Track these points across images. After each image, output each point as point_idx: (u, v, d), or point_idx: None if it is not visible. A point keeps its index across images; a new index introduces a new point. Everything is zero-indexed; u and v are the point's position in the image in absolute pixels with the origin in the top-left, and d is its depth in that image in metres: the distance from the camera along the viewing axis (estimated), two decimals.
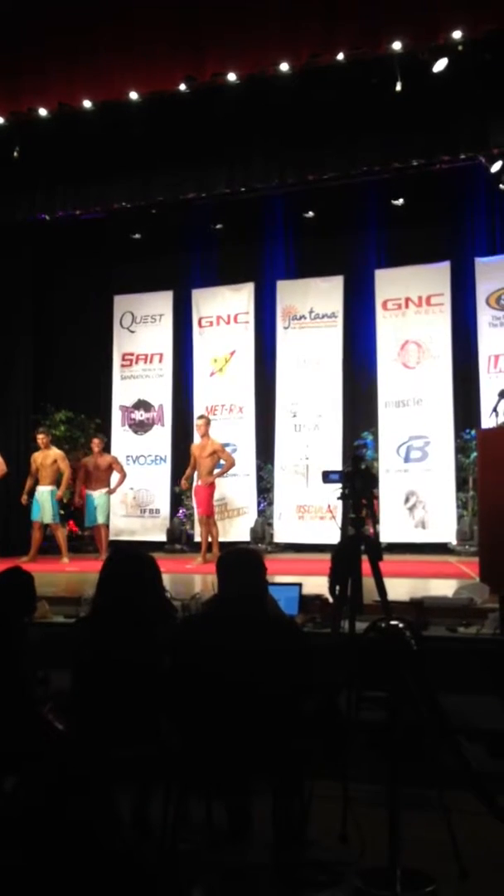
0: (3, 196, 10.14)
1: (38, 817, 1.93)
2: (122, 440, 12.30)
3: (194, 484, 10.72)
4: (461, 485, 10.73)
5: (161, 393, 12.27)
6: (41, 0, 8.54)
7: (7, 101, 8.94)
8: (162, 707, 3.52)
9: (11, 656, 3.77)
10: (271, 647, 3.38)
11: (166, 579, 4.41)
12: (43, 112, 8.97)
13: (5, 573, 4.15)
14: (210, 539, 10.41)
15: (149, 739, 3.47)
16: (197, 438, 10.76)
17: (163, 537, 11.64)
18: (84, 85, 8.64)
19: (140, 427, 12.24)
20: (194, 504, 11.02)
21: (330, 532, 9.88)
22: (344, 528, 4.16)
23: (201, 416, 10.86)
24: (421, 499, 10.74)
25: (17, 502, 10.91)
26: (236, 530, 11.35)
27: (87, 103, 8.81)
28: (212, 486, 10.55)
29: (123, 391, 12.47)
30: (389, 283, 11.19)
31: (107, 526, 11.23)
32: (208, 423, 10.70)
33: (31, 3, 8.54)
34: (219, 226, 11.48)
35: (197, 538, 11.35)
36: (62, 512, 11.15)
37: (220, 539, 10.59)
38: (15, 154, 9.43)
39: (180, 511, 12.01)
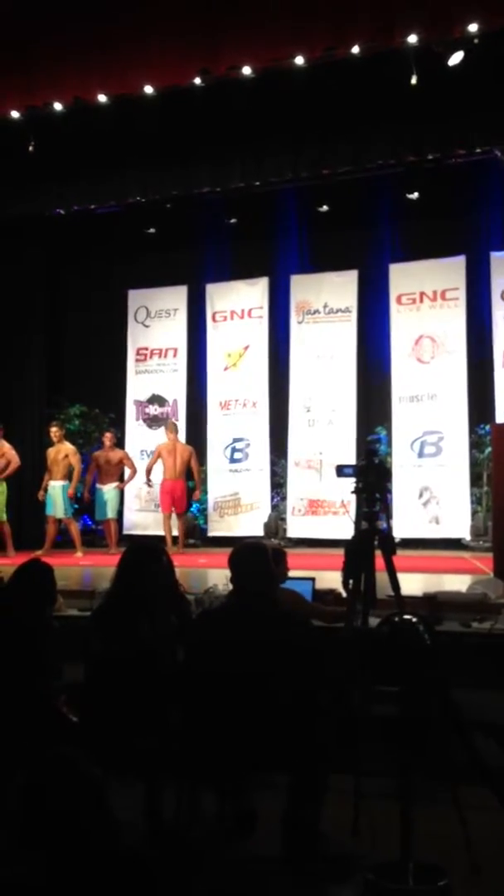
0: (19, 190, 10.17)
1: (41, 813, 1.94)
2: (136, 435, 12.31)
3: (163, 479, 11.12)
4: (475, 480, 10.70)
5: (175, 388, 12.27)
6: None
7: (23, 96, 8.96)
8: (174, 698, 3.54)
9: (32, 648, 3.78)
10: (278, 640, 3.39)
11: (179, 574, 4.43)
12: (58, 106, 8.98)
13: (25, 565, 4.17)
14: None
15: (159, 731, 3.49)
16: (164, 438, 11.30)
17: (175, 531, 11.64)
18: (99, 79, 8.65)
19: (154, 422, 12.25)
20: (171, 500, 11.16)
21: (343, 527, 9.85)
22: (357, 523, 4.15)
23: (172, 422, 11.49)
24: (435, 494, 10.70)
25: (31, 496, 10.97)
26: (249, 525, 11.36)
27: (101, 97, 8.81)
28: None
29: (138, 386, 12.48)
30: (404, 277, 11.15)
31: (117, 520, 11.27)
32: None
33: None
34: (233, 220, 11.47)
35: (211, 533, 11.44)
36: (76, 506, 11.19)
37: (233, 533, 10.68)
38: (30, 148, 9.44)
39: (194, 506, 12.03)
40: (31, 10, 8.60)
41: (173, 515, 11.05)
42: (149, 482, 11.23)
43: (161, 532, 11.13)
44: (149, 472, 11.15)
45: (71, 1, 8.50)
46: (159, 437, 11.77)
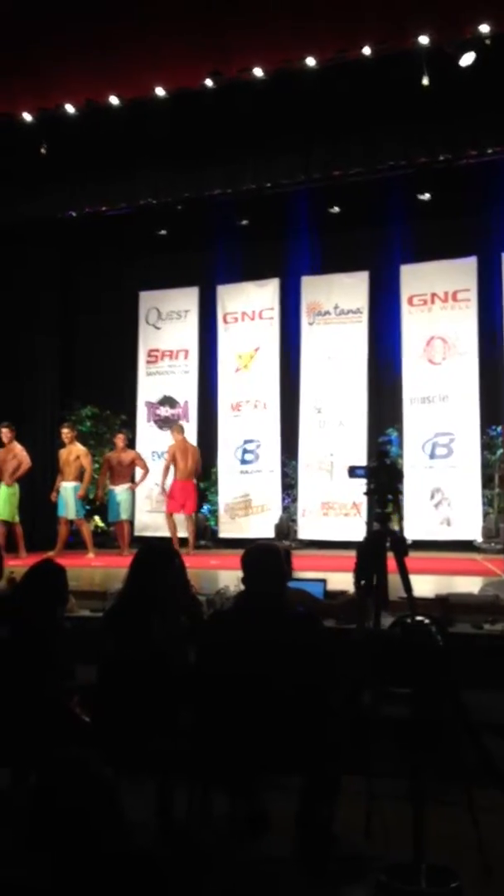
0: (31, 193, 10.20)
1: (52, 813, 1.94)
2: (148, 436, 12.34)
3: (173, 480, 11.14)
4: (487, 482, 10.67)
5: (186, 389, 12.29)
6: None
7: (35, 98, 9.00)
8: (185, 699, 3.55)
9: (43, 649, 3.80)
10: (289, 641, 3.39)
11: (191, 574, 4.43)
12: (70, 109, 9.02)
13: (37, 566, 4.18)
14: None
15: (171, 732, 3.49)
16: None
17: (184, 533, 11.64)
18: (111, 81, 8.69)
19: (165, 423, 12.26)
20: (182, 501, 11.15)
21: (354, 528, 9.87)
22: (369, 524, 4.14)
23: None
24: (446, 496, 10.68)
25: (43, 498, 11.01)
26: (260, 526, 11.35)
27: (113, 100, 8.85)
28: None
29: (149, 387, 12.51)
30: (415, 278, 11.13)
31: (130, 522, 11.28)
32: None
33: (57, 1, 8.58)
34: (244, 222, 11.49)
35: (222, 534, 11.44)
36: (88, 507, 11.22)
37: (244, 535, 10.67)
38: (42, 151, 9.47)
39: (205, 507, 12.05)
40: (43, 13, 8.62)
41: (182, 516, 11.05)
42: (163, 490, 11.24)
43: (180, 534, 11.14)
44: (167, 473, 11.14)
45: (83, 4, 8.52)
46: (170, 438, 11.83)
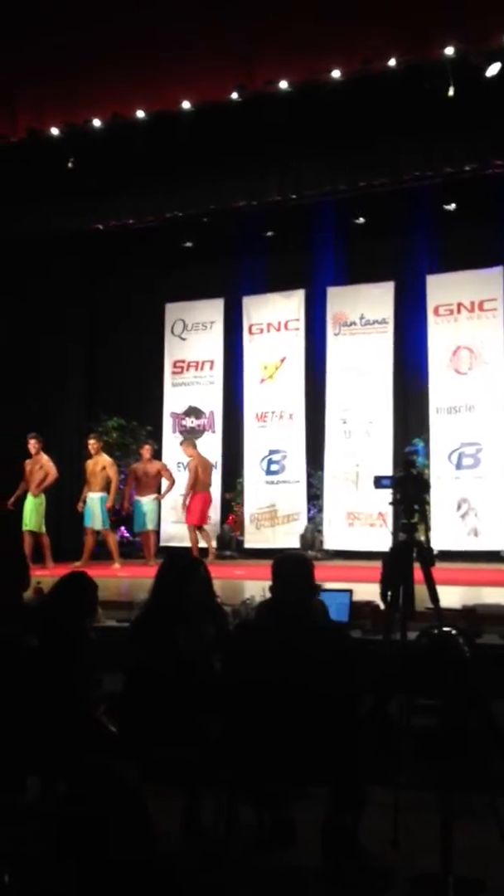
0: (59, 206, 10.29)
1: (80, 821, 1.96)
2: (173, 447, 12.37)
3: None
4: None
5: (212, 400, 12.33)
6: (94, 12, 8.68)
7: (63, 113, 9.10)
8: (211, 708, 3.56)
9: (70, 658, 3.82)
10: (316, 651, 3.39)
11: (216, 585, 4.44)
12: (97, 123, 9.10)
13: (68, 577, 4.21)
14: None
15: (198, 741, 3.50)
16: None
17: (203, 542, 11.65)
18: (137, 95, 8.75)
19: (191, 434, 12.28)
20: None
21: (380, 539, 9.83)
22: (395, 534, 4.14)
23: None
24: (473, 506, 10.61)
25: (69, 508, 11.07)
26: (286, 537, 11.35)
27: (140, 113, 8.92)
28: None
29: (174, 398, 12.55)
30: (441, 288, 11.10)
31: (156, 532, 11.32)
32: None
33: (84, 16, 8.68)
34: (269, 233, 11.51)
35: (247, 545, 11.43)
36: (114, 518, 11.26)
37: (270, 545, 10.66)
38: (69, 164, 9.56)
39: (230, 517, 12.05)
40: (68, 29, 8.73)
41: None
42: (185, 504, 11.27)
43: (199, 543, 11.14)
44: (193, 487, 11.18)
45: (109, 19, 8.61)
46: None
